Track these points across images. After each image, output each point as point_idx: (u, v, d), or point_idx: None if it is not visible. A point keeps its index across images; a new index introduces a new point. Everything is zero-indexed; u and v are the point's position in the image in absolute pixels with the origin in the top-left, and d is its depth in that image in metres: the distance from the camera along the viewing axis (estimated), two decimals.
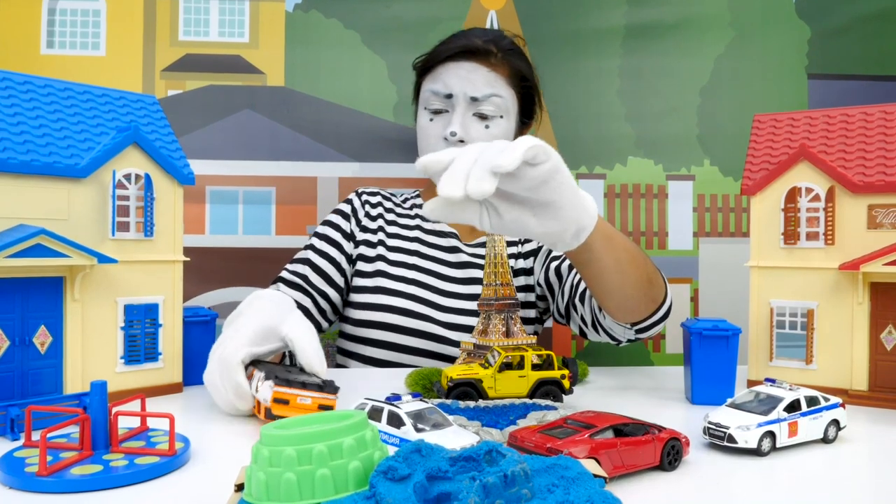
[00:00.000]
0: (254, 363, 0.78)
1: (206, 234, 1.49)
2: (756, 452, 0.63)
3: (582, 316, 1.09)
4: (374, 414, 0.63)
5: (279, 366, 0.79)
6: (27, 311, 0.74)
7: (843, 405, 0.69)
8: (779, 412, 0.65)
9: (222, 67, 1.52)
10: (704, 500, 0.55)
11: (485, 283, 0.87)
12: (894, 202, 0.84)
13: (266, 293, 0.85)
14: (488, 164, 0.59)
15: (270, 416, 0.69)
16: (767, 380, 0.70)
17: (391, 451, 0.44)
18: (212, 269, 1.47)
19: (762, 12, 1.56)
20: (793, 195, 0.89)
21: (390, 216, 1.28)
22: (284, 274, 1.22)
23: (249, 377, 0.75)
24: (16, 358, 0.73)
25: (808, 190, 0.88)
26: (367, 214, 1.27)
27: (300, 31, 1.53)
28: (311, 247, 1.24)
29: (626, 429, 0.59)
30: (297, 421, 0.46)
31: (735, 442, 0.63)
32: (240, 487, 0.46)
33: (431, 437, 0.59)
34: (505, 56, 1.20)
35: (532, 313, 1.26)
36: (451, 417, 0.65)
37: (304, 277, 1.21)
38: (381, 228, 1.26)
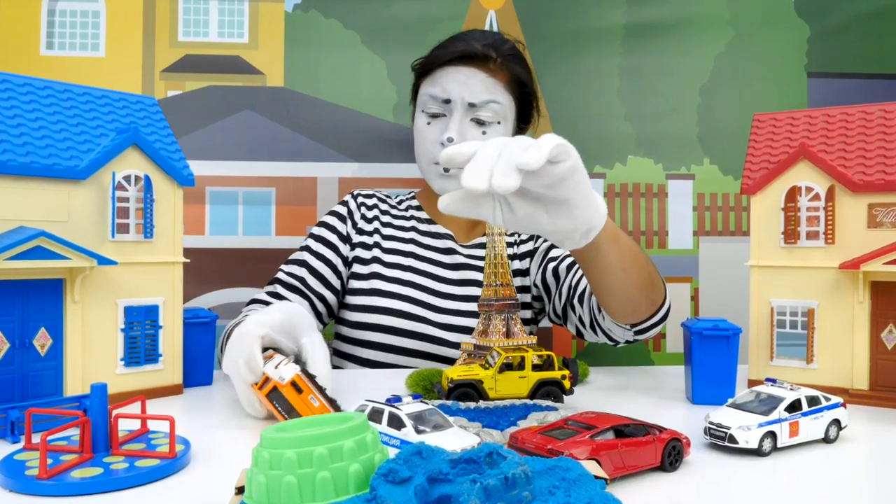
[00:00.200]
0: (276, 349, 0.79)
1: (206, 235, 1.49)
2: (757, 453, 0.63)
3: (580, 317, 1.09)
4: (375, 415, 0.63)
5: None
6: (27, 313, 0.74)
7: (844, 405, 0.69)
8: (780, 412, 0.65)
9: (222, 68, 1.52)
10: (706, 500, 0.55)
11: (485, 283, 0.87)
12: (894, 201, 0.84)
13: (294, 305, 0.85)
14: (513, 161, 0.59)
15: (271, 397, 0.69)
16: (768, 380, 0.70)
17: (392, 453, 0.44)
18: (212, 270, 1.47)
19: (762, 11, 1.56)
20: (793, 194, 0.89)
21: (386, 218, 1.28)
22: (281, 275, 1.22)
23: (269, 358, 0.75)
24: (16, 360, 0.73)
25: (808, 189, 0.88)
26: (364, 217, 1.27)
27: (300, 31, 1.52)
28: (307, 248, 1.24)
29: (627, 430, 0.59)
30: (298, 424, 0.46)
31: (736, 442, 0.63)
32: (240, 490, 0.46)
33: (432, 438, 0.59)
34: (504, 62, 1.19)
35: (527, 314, 1.26)
36: (451, 419, 0.65)
37: (302, 280, 1.21)
38: (376, 231, 1.26)
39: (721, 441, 0.64)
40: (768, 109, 0.99)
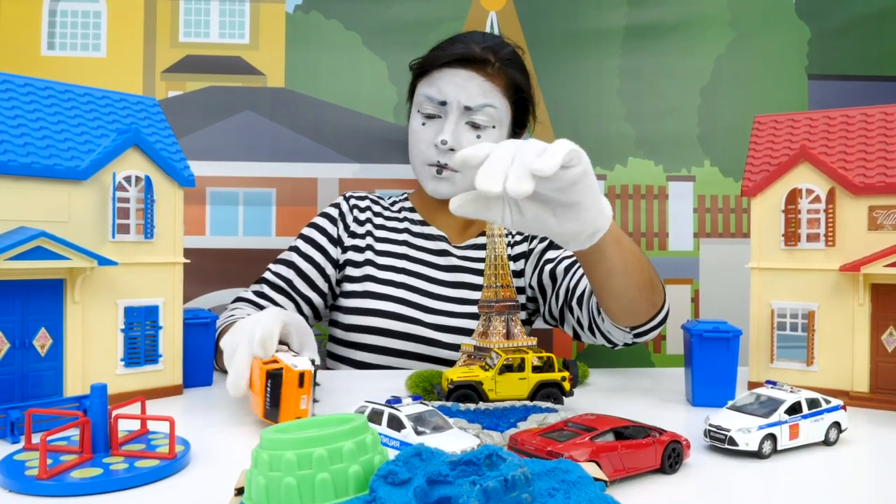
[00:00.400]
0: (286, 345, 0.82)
1: (207, 236, 1.49)
2: (757, 455, 0.63)
3: (578, 319, 1.09)
4: (375, 417, 0.63)
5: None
6: (27, 313, 0.74)
7: (844, 407, 0.69)
8: (780, 414, 0.65)
9: (223, 69, 1.52)
10: (706, 503, 0.55)
11: (485, 284, 0.87)
12: (895, 203, 0.84)
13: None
14: (527, 166, 0.60)
15: (271, 380, 0.70)
16: (768, 382, 0.70)
17: (391, 454, 0.44)
18: (212, 270, 1.47)
19: (762, 12, 1.56)
20: (793, 196, 0.89)
21: (378, 220, 1.28)
22: (268, 275, 1.22)
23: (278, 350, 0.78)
24: (16, 360, 0.73)
25: (809, 191, 0.88)
26: (356, 219, 1.27)
27: (300, 32, 1.52)
28: (296, 249, 1.24)
29: (627, 432, 0.59)
30: (297, 425, 0.46)
31: (736, 444, 0.63)
32: (240, 491, 0.46)
33: (432, 440, 0.59)
34: (502, 66, 1.18)
35: (521, 315, 1.26)
36: (451, 420, 0.65)
37: (289, 282, 1.21)
38: (369, 233, 1.26)
39: (721, 443, 0.64)
40: (769, 111, 0.99)
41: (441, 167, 1.17)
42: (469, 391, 0.78)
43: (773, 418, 0.64)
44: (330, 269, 1.23)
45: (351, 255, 1.24)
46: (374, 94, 1.53)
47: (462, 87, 1.16)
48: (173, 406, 0.83)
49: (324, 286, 1.23)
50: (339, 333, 1.23)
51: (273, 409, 0.70)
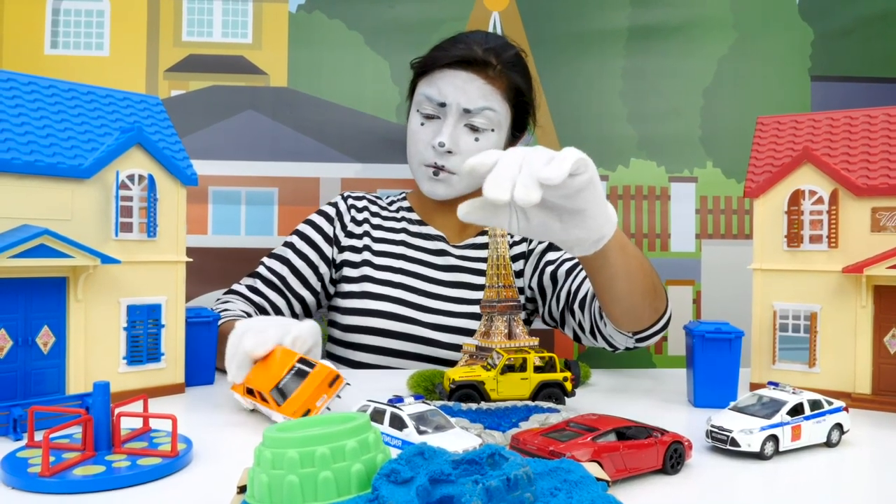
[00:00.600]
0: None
1: (209, 235, 1.49)
2: (759, 456, 0.63)
3: (579, 322, 1.09)
4: (377, 416, 0.63)
5: None
6: (30, 311, 0.74)
7: (846, 409, 0.69)
8: (782, 416, 0.64)
9: (225, 68, 1.52)
10: (707, 503, 0.55)
11: (487, 284, 0.87)
12: None
13: None
14: (535, 174, 0.60)
15: (297, 372, 0.72)
16: (770, 383, 0.70)
17: (394, 453, 0.44)
18: (214, 269, 1.47)
19: (765, 14, 1.56)
20: (796, 198, 0.89)
21: (376, 220, 1.27)
22: (262, 270, 1.22)
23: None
24: (19, 358, 0.74)
25: (812, 192, 0.88)
26: (353, 219, 1.26)
27: (303, 31, 1.53)
28: (291, 245, 1.23)
29: (629, 432, 0.59)
30: (300, 423, 0.46)
31: (738, 445, 0.63)
32: (242, 489, 0.46)
33: (434, 439, 0.59)
34: (504, 69, 1.17)
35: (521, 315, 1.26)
36: (453, 420, 0.65)
37: (283, 279, 1.21)
38: (366, 233, 1.26)
39: (723, 444, 0.64)
40: (771, 112, 0.99)
41: (438, 169, 1.16)
42: (471, 391, 0.78)
43: (776, 419, 0.64)
44: (324, 268, 1.23)
45: (348, 255, 1.24)
46: (377, 94, 1.54)
47: (462, 89, 1.15)
48: (175, 404, 0.84)
49: (317, 285, 1.23)
50: (338, 334, 1.23)
51: (281, 392, 0.71)
